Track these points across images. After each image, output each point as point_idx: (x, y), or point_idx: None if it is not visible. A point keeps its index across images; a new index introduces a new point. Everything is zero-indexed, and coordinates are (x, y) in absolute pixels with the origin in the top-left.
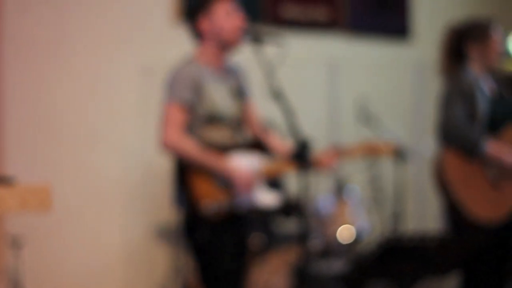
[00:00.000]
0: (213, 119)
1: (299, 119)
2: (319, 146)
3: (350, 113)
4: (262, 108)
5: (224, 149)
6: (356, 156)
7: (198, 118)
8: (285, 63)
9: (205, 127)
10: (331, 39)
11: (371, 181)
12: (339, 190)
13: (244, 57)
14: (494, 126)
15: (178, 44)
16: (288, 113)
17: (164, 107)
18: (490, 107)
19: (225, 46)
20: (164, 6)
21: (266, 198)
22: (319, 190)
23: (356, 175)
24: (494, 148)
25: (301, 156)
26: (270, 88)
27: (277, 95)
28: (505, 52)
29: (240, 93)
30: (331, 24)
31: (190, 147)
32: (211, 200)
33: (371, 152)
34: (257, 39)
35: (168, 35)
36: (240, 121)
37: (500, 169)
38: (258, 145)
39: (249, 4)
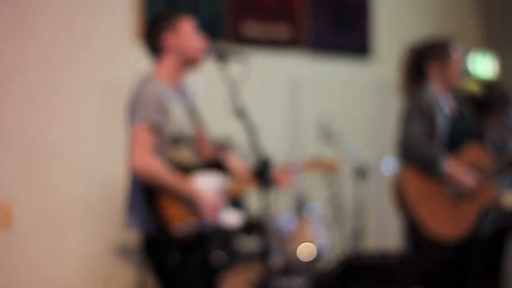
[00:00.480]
0: (176, 140)
1: (261, 137)
2: (281, 163)
3: (312, 131)
4: (224, 125)
5: (188, 170)
6: (307, 171)
7: (164, 139)
8: (247, 81)
9: (168, 147)
10: (292, 58)
11: (332, 198)
12: (300, 208)
13: (206, 74)
14: (454, 144)
15: (138, 61)
16: (251, 131)
17: (132, 128)
18: (450, 125)
19: (188, 63)
20: (123, 24)
21: (230, 218)
22: (280, 208)
23: (316, 193)
24: (452, 167)
25: (262, 174)
26: (233, 106)
27: (240, 113)
28: (465, 71)
29: (194, 112)
30: (292, 42)
31: (160, 170)
32: (180, 222)
33: (320, 167)
34: (221, 57)
35: (127, 52)
36: (197, 141)
37: (459, 186)
38: (217, 165)
39: (212, 22)
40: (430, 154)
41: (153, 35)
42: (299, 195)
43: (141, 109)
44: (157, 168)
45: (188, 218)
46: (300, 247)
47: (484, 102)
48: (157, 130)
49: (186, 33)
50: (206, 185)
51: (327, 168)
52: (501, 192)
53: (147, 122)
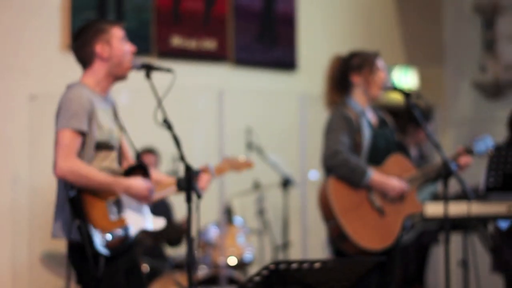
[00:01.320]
0: (103, 146)
1: (187, 148)
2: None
3: (238, 142)
4: (150, 135)
5: (116, 174)
6: (221, 173)
7: (89, 145)
8: (174, 92)
9: (96, 154)
10: (219, 70)
11: (259, 209)
12: (228, 218)
13: (132, 85)
14: (377, 156)
15: (67, 70)
16: (176, 141)
17: (58, 133)
18: (373, 138)
19: (117, 71)
20: (52, 34)
21: (153, 223)
22: (206, 219)
23: (244, 203)
24: (377, 176)
25: (187, 184)
26: (159, 116)
27: (166, 123)
28: (389, 84)
29: (118, 121)
30: (219, 54)
31: (86, 169)
32: (107, 231)
33: (233, 168)
34: (148, 67)
35: (56, 62)
36: (120, 148)
37: (384, 196)
38: (142, 170)
39: (140, 34)
40: (358, 166)
41: (83, 41)
42: (227, 206)
43: (65, 114)
44: (83, 168)
45: (114, 227)
46: (227, 257)
47: (406, 114)
48: (80, 135)
49: (117, 41)
50: (138, 179)
51: (242, 168)
52: (423, 203)
53: (71, 127)
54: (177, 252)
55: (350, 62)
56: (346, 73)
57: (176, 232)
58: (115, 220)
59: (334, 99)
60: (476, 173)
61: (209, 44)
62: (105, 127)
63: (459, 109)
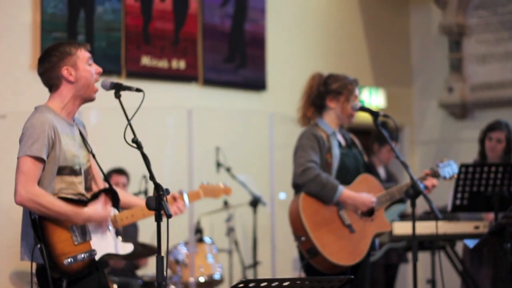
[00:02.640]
0: (67, 171)
1: (157, 167)
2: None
3: (207, 161)
4: (120, 155)
5: (77, 201)
6: (197, 198)
7: (51, 170)
8: (143, 112)
9: (58, 178)
10: (188, 90)
11: (228, 228)
12: (198, 238)
13: (102, 104)
14: (346, 176)
15: (36, 91)
16: (145, 160)
17: (18, 160)
18: (342, 158)
19: (84, 93)
20: (22, 54)
21: (121, 247)
22: (177, 238)
23: (213, 223)
24: (348, 192)
25: (157, 204)
26: (128, 135)
27: (135, 143)
28: (361, 107)
29: (86, 144)
30: (188, 75)
31: (45, 198)
32: (69, 255)
33: (210, 195)
34: (117, 87)
35: (26, 82)
36: (88, 172)
37: (354, 213)
38: (109, 195)
39: (110, 54)
40: (329, 182)
41: (49, 65)
42: (198, 226)
43: (26, 141)
44: (41, 197)
45: (77, 250)
46: (198, 276)
47: (374, 134)
48: (41, 162)
49: (83, 64)
50: (97, 205)
51: (219, 194)
52: (391, 221)
53: (31, 154)
54: (147, 271)
55: (329, 86)
56: (323, 95)
57: (146, 252)
58: (79, 244)
59: (307, 115)
60: (443, 194)
61: (179, 64)
62: (68, 152)
63: (426, 129)
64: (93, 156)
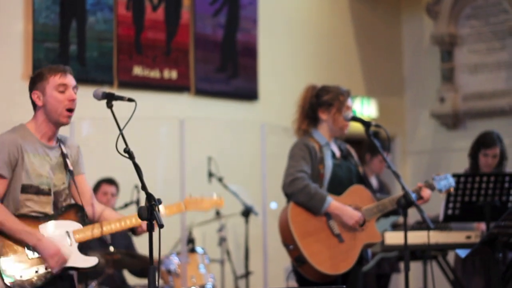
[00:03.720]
0: (32, 190)
1: (149, 177)
2: (169, 203)
3: (199, 174)
4: (112, 165)
5: (38, 219)
6: (179, 211)
7: (15, 188)
8: (136, 122)
9: (23, 195)
10: (180, 100)
11: (220, 238)
12: (190, 248)
13: (94, 114)
14: (339, 187)
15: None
16: (137, 170)
17: None
18: (335, 169)
19: (53, 118)
20: (14, 65)
21: (83, 260)
22: (169, 248)
23: (205, 233)
24: (336, 203)
25: (150, 214)
26: (121, 145)
27: (127, 153)
28: (353, 117)
29: (66, 166)
30: (180, 84)
31: (3, 217)
32: (24, 268)
33: (194, 208)
34: (109, 97)
35: (18, 93)
36: (61, 194)
37: (343, 222)
38: (76, 212)
39: (102, 64)
40: (318, 192)
41: (29, 88)
42: (188, 235)
43: None
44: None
45: (32, 264)
46: (188, 286)
47: (366, 144)
48: (1, 177)
49: (51, 89)
50: (53, 236)
51: (205, 207)
52: (383, 232)
53: None
54: (139, 281)
55: (321, 98)
56: (315, 107)
57: (139, 263)
58: (34, 258)
59: (302, 127)
60: (435, 204)
61: (171, 74)
62: (33, 171)
63: (418, 139)
64: (82, 178)
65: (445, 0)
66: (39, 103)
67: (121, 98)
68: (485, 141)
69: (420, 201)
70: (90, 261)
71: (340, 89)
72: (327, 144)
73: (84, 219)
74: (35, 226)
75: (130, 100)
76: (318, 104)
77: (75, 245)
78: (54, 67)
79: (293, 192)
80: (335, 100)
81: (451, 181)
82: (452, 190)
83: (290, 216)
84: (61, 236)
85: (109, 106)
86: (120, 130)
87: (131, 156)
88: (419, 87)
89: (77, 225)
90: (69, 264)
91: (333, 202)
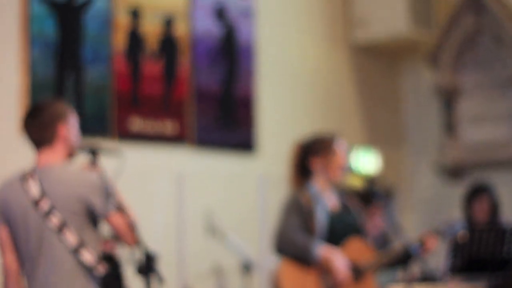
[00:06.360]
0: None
1: (146, 232)
2: (167, 258)
3: (197, 227)
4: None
5: None
6: None
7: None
8: (134, 175)
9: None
10: (178, 153)
11: None
12: None
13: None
14: (336, 240)
15: (24, 153)
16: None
17: None
18: (331, 221)
19: (71, 153)
20: (10, 115)
21: None
22: None
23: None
24: (326, 252)
25: (148, 269)
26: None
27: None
28: (348, 167)
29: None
30: (178, 137)
31: None
32: None
33: None
34: (93, 152)
35: (14, 144)
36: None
37: (331, 274)
38: None
39: (99, 116)
40: (302, 240)
41: (46, 123)
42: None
43: None
44: None
45: None
46: None
47: (366, 197)
48: None
49: (74, 126)
50: None
51: None
52: (387, 283)
53: None
54: None
55: (309, 148)
56: (305, 158)
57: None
58: None
59: (296, 183)
60: (438, 255)
61: (169, 126)
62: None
63: (419, 190)
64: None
65: (446, 50)
66: (65, 134)
67: (106, 152)
68: (473, 190)
69: (425, 250)
70: None
71: (326, 134)
72: (318, 196)
73: None
74: None
75: (116, 153)
76: (308, 154)
77: None
78: (64, 103)
79: (280, 248)
80: (323, 146)
81: (458, 228)
82: (463, 235)
83: (281, 273)
84: None
85: (93, 162)
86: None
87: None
88: (420, 137)
89: None
90: None
91: (321, 251)
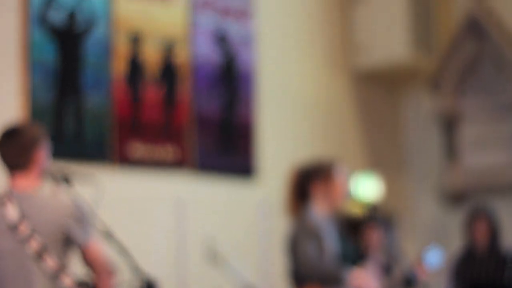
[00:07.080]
0: None
1: (146, 257)
2: (167, 284)
3: (198, 253)
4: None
5: None
6: None
7: None
8: (135, 202)
9: None
10: (178, 179)
11: None
12: None
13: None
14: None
15: None
16: (123, 252)
17: None
18: (338, 247)
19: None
20: None
21: None
22: None
23: None
24: (355, 275)
25: None
26: (98, 228)
27: (107, 235)
28: (348, 193)
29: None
30: (178, 163)
31: None
32: None
33: None
34: (65, 179)
35: None
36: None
37: None
38: None
39: (99, 142)
40: (332, 269)
41: (23, 147)
42: None
43: None
44: None
45: None
46: None
47: (367, 224)
48: None
49: (48, 150)
50: None
51: None
52: None
53: None
54: None
55: (309, 173)
56: (305, 184)
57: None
58: None
59: (295, 209)
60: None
61: (169, 152)
62: None
63: (421, 216)
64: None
65: (446, 75)
66: (42, 161)
67: (79, 178)
68: (472, 213)
69: (421, 277)
70: None
71: (325, 160)
72: (323, 222)
73: None
74: None
75: (89, 179)
76: (307, 180)
77: None
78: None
79: (309, 277)
80: (322, 172)
81: (439, 256)
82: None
83: None
84: None
85: (68, 189)
86: (95, 210)
87: (111, 238)
88: (421, 163)
89: None
90: None
91: (351, 271)
